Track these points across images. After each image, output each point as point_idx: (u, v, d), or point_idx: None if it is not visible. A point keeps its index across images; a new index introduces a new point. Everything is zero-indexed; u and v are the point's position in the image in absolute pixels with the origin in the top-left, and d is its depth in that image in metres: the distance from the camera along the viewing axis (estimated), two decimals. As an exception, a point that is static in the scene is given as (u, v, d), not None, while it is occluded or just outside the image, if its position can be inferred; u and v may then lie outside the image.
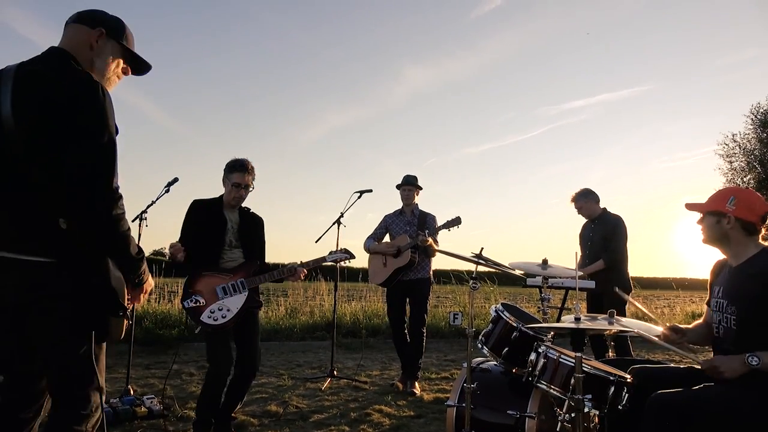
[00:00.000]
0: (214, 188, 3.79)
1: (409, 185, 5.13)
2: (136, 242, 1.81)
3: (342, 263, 4.06)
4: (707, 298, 2.54)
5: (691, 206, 2.47)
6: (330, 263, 3.82)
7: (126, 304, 1.78)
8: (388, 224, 5.23)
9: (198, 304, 3.24)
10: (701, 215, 2.41)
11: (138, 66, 2.02)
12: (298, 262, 3.61)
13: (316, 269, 12.57)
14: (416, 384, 4.92)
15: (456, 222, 4.89)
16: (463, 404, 2.66)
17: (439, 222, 5.02)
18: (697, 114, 44.40)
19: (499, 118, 45.88)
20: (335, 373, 5.26)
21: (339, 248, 3.88)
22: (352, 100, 45.54)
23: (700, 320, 2.61)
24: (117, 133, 1.73)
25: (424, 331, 4.98)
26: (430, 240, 4.75)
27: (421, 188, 5.21)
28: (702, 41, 40.76)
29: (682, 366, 2.50)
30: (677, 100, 42.77)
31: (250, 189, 3.50)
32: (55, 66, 1.73)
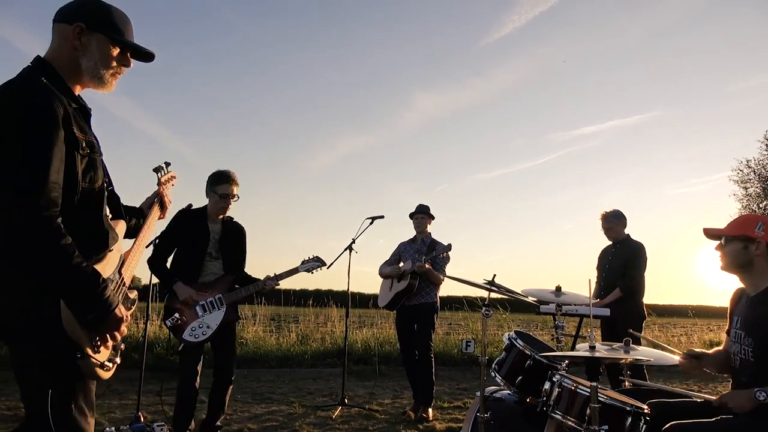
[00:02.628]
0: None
1: (421, 213, 5.22)
2: (89, 270, 1.50)
3: (310, 273, 3.98)
4: (727, 327, 2.49)
5: (711, 231, 2.42)
6: (303, 272, 3.82)
7: (88, 344, 1.54)
8: (401, 251, 5.33)
9: (177, 322, 3.31)
10: (722, 241, 2.37)
11: (138, 54, 1.75)
12: (272, 275, 3.67)
13: (328, 295, 12.58)
14: (429, 410, 4.86)
15: (446, 248, 4.94)
16: (477, 434, 2.61)
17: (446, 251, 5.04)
18: (709, 139, 44.19)
19: (509, 144, 45.98)
20: (346, 401, 5.20)
21: (311, 256, 3.87)
22: (364, 126, 46.03)
23: (720, 347, 2.55)
24: (81, 145, 1.55)
25: (432, 356, 4.96)
26: (427, 265, 4.83)
27: (433, 217, 5.29)
28: (713, 66, 40.79)
29: (698, 398, 2.44)
30: (689, 126, 42.63)
31: (235, 199, 3.58)
32: (5, 84, 1.53)
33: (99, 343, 1.58)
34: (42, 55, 1.64)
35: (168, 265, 3.55)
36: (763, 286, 2.26)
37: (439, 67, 42.36)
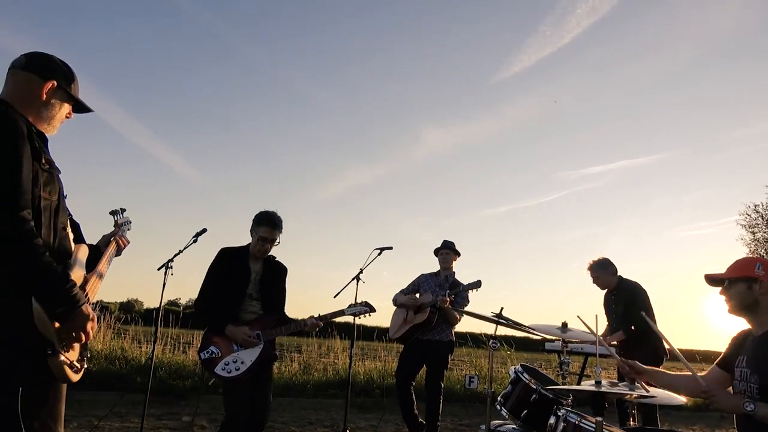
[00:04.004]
0: (233, 240, 3.90)
1: (446, 249, 5.20)
2: (59, 268, 1.65)
3: (360, 318, 4.04)
4: (717, 359, 2.53)
5: (713, 276, 2.47)
6: (348, 316, 3.79)
7: (56, 339, 1.62)
8: (420, 282, 5.26)
9: (213, 355, 3.30)
10: (725, 285, 2.41)
11: (81, 110, 2.00)
12: (316, 315, 3.63)
13: (331, 325, 12.55)
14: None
15: (476, 285, 4.87)
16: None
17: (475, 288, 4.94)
18: (718, 183, 44.29)
19: (517, 181, 46.21)
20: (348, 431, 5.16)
21: (360, 301, 3.85)
22: (372, 159, 46.55)
23: (690, 373, 2.55)
24: (43, 159, 1.71)
25: (441, 394, 4.90)
26: (448, 300, 4.75)
27: (458, 254, 5.25)
28: (721, 111, 41.19)
29: None
30: (697, 169, 42.81)
31: (276, 243, 3.58)
32: None
33: (68, 340, 1.68)
34: None
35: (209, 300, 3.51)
36: (767, 324, 2.30)
37: (449, 103, 43.04)
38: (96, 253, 2.11)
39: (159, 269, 4.53)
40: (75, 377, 1.73)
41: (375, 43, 41.36)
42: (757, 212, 27.26)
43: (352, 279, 5.39)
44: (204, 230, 4.26)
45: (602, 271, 5.11)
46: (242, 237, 3.70)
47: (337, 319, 3.82)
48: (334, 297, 5.40)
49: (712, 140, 40.08)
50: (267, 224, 3.51)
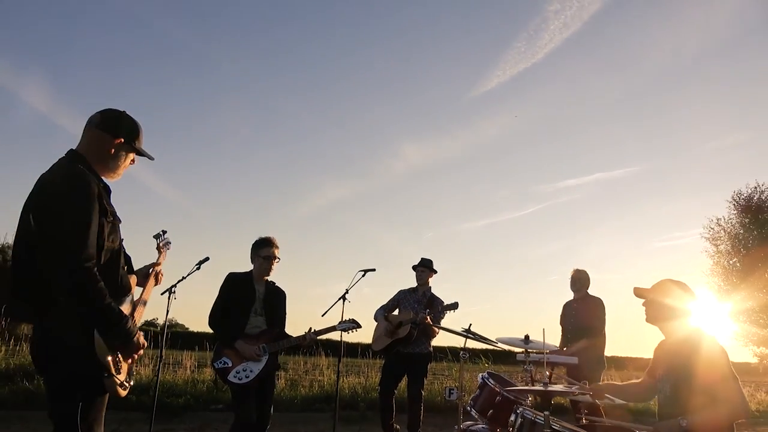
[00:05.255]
0: (215, 256, 4.33)
1: (423, 267, 5.62)
2: (117, 308, 2.01)
3: (346, 333, 4.47)
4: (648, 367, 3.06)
5: (638, 292, 3.03)
6: (339, 331, 4.25)
7: (112, 366, 2.00)
8: (399, 298, 5.68)
9: (226, 365, 3.76)
10: (646, 299, 2.97)
11: (143, 156, 2.37)
12: (312, 330, 4.09)
13: (317, 344, 12.89)
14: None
15: (453, 306, 5.27)
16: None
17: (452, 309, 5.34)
18: (692, 194, 45.84)
19: (494, 195, 47.28)
20: (336, 441, 5.56)
21: (348, 318, 4.33)
22: (351, 175, 47.17)
23: (636, 380, 3.10)
24: (108, 214, 2.07)
25: (422, 402, 5.38)
26: (428, 318, 5.20)
27: (435, 271, 5.68)
28: (693, 124, 42.82)
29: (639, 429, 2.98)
30: (671, 181, 44.27)
31: (278, 260, 4.08)
32: (53, 168, 2.10)
33: (120, 365, 2.06)
34: (74, 148, 2.19)
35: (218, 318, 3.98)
36: (675, 336, 2.84)
37: (426, 118, 43.99)
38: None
39: (162, 294, 4.93)
40: (123, 393, 2.12)
41: (354, 60, 42.18)
42: (719, 225, 28.37)
43: (339, 299, 5.84)
44: (206, 258, 4.66)
45: (585, 281, 5.66)
46: (224, 254, 4.22)
47: (323, 337, 4.29)
48: (322, 316, 5.86)
49: (686, 153, 41.60)
50: (267, 245, 4.04)
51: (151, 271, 2.60)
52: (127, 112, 2.33)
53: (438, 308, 5.44)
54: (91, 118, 2.24)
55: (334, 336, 4.55)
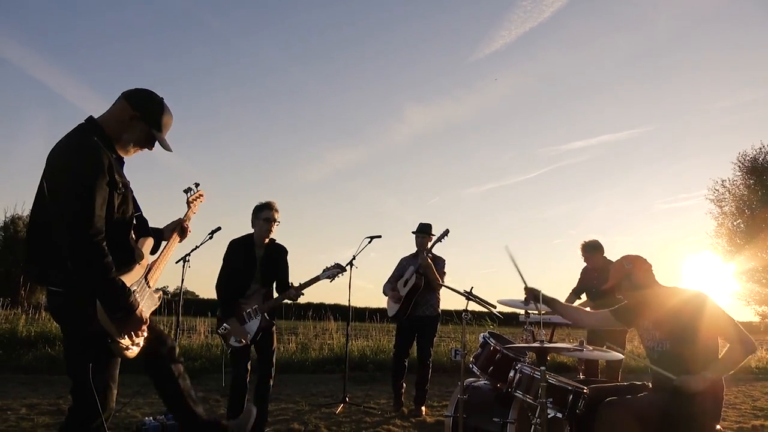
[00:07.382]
0: (219, 223, 4.42)
1: (422, 233, 5.75)
2: (120, 282, 2.05)
3: (330, 281, 4.35)
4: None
5: (605, 290, 3.26)
6: (324, 279, 4.25)
7: (115, 334, 2.08)
8: (402, 266, 5.85)
9: (226, 331, 4.02)
10: (616, 291, 3.16)
11: (161, 145, 2.34)
12: (292, 285, 4.19)
13: (325, 307, 13.23)
14: (422, 408, 5.55)
15: (444, 234, 5.49)
16: (458, 414, 3.32)
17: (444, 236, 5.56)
18: (698, 155, 45.37)
19: (500, 158, 46.97)
20: (348, 399, 5.87)
21: (332, 264, 4.32)
22: (355, 139, 46.99)
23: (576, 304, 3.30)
24: (119, 186, 2.11)
25: (430, 363, 5.68)
26: (428, 258, 5.41)
27: (434, 236, 5.77)
28: (702, 83, 41.98)
29: (626, 384, 3.20)
30: (679, 142, 43.73)
31: (277, 222, 4.22)
32: (69, 136, 2.14)
33: (125, 336, 2.14)
34: (95, 116, 2.23)
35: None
36: (671, 298, 3.01)
37: (430, 81, 43.41)
38: (160, 236, 2.60)
39: (177, 263, 5.15)
40: (131, 355, 2.22)
41: (355, 25, 41.46)
42: (724, 187, 28.28)
43: (346, 264, 6.03)
44: (218, 228, 4.86)
45: (594, 252, 5.79)
46: (229, 221, 4.36)
47: (331, 302, 4.49)
48: (330, 282, 6.08)
49: (693, 113, 41.01)
50: (267, 208, 4.19)
51: (176, 227, 2.65)
52: (165, 101, 2.34)
53: (440, 267, 5.61)
54: (126, 90, 2.28)
55: (343, 301, 4.72)
